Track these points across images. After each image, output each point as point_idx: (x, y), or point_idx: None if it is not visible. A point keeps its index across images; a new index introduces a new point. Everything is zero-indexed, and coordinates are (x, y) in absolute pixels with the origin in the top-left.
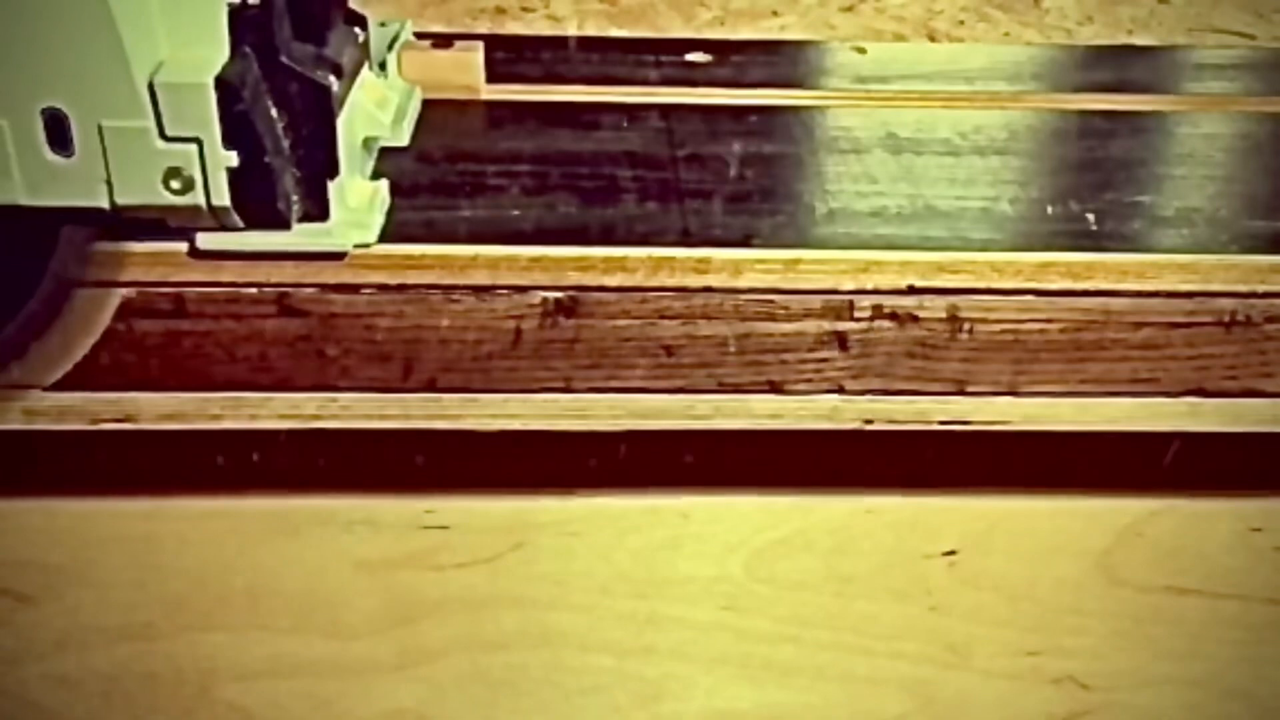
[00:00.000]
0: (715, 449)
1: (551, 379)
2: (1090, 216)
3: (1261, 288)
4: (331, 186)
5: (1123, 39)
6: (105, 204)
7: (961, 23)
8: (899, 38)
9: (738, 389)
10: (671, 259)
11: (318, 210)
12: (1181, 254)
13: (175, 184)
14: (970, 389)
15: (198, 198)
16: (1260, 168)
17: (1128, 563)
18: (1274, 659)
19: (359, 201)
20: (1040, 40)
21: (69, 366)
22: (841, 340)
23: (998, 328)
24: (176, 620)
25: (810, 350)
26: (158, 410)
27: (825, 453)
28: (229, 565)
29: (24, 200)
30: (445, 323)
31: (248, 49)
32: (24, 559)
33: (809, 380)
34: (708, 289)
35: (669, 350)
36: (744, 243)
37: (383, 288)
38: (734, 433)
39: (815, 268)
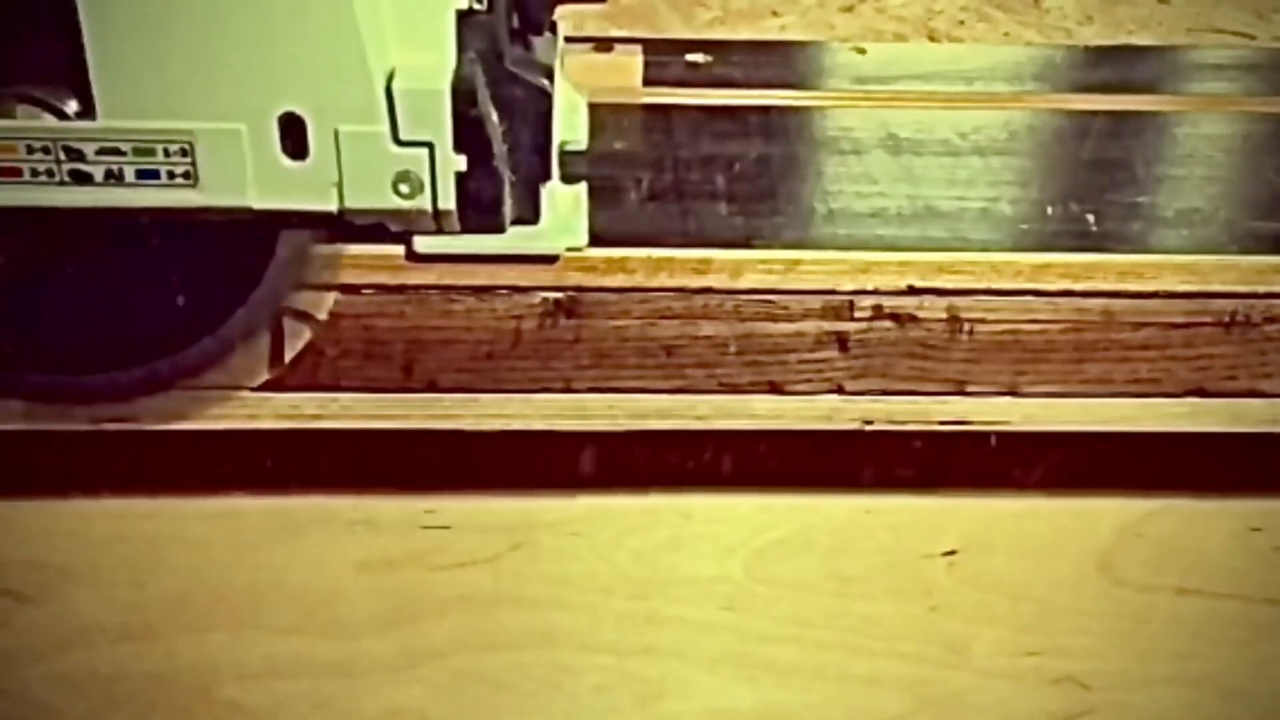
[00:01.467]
0: (715, 449)
1: (551, 379)
2: (1090, 217)
3: (1261, 288)
4: (543, 191)
5: (1123, 39)
6: (334, 207)
7: (961, 23)
8: (899, 38)
9: (738, 389)
10: (671, 259)
11: (530, 214)
12: (1181, 254)
13: (404, 188)
14: (970, 389)
15: (425, 201)
16: (1260, 168)
17: (1128, 563)
18: (1274, 659)
19: (563, 205)
20: (1040, 40)
21: (279, 368)
22: (841, 340)
23: (997, 328)
24: (176, 620)
25: (810, 350)
26: (159, 410)
27: (825, 453)
28: (229, 565)
29: (255, 204)
30: (446, 323)
31: (473, 54)
32: (24, 559)
33: (809, 380)
34: (708, 289)
35: (669, 350)
36: (744, 243)
37: (381, 288)
38: (734, 433)
39: (815, 268)
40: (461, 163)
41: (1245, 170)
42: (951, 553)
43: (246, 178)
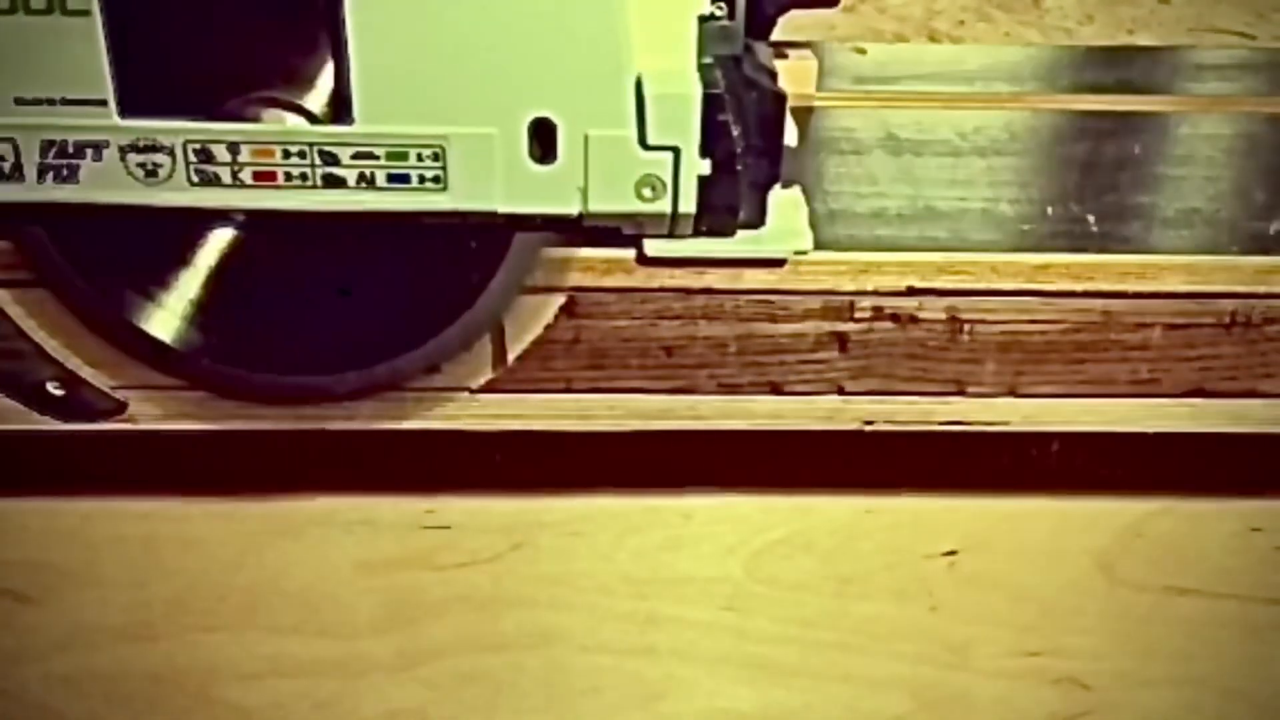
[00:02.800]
0: (715, 449)
1: (552, 379)
2: (1090, 217)
3: (1262, 288)
4: (770, 194)
5: (1123, 39)
6: (576, 211)
7: (961, 23)
8: (899, 38)
9: (738, 389)
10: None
11: (758, 218)
12: (1182, 255)
13: (647, 191)
14: (970, 390)
15: (665, 205)
16: (1260, 168)
17: (1128, 563)
18: (1274, 659)
19: (784, 208)
20: (1040, 40)
21: (501, 369)
22: (841, 341)
23: (998, 329)
24: (176, 620)
25: (810, 351)
26: (158, 410)
27: (825, 453)
28: (229, 565)
29: (501, 208)
30: None
31: (711, 59)
32: (24, 559)
33: (809, 381)
34: (708, 289)
35: (669, 350)
36: None
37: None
38: (734, 433)
39: (815, 268)
40: (705, 167)
41: (1245, 170)
42: (952, 553)
43: (495, 182)
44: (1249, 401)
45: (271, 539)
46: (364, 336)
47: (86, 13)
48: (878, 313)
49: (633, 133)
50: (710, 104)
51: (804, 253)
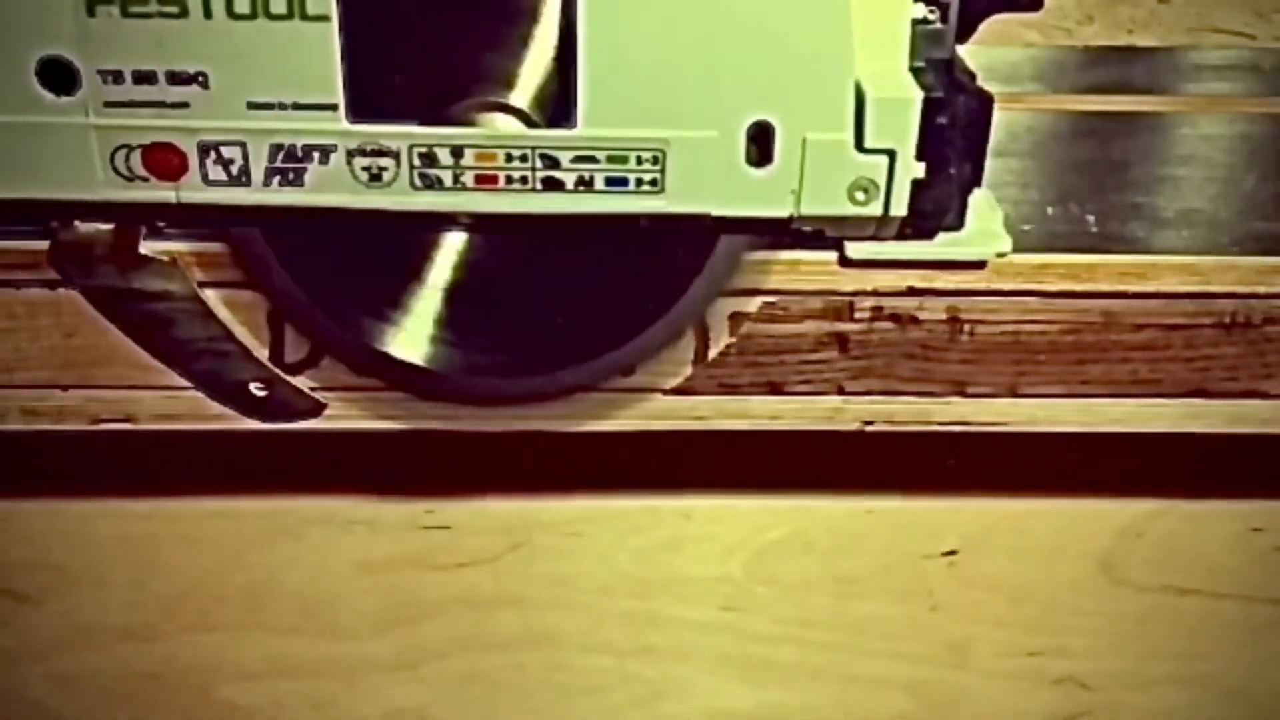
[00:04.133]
0: (715, 449)
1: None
2: (1090, 218)
3: (1262, 289)
4: (971, 197)
5: (1123, 39)
6: (787, 214)
7: None
8: None
9: (737, 389)
10: None
11: (959, 220)
12: (1182, 255)
13: (860, 195)
14: (970, 390)
15: (876, 208)
16: (1260, 168)
17: (1128, 563)
18: (1274, 659)
19: (980, 209)
20: (1040, 40)
21: (691, 371)
22: (841, 341)
23: (997, 329)
24: (176, 620)
25: (810, 351)
26: (158, 410)
27: (825, 453)
28: (229, 565)
29: (715, 211)
30: None
31: (923, 62)
32: (24, 559)
33: (809, 381)
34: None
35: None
36: None
37: None
38: (734, 433)
39: (815, 268)
40: (920, 170)
41: (1245, 170)
42: (952, 553)
43: (711, 185)
44: (1249, 402)
45: (271, 539)
46: (568, 338)
47: (326, 18)
48: (877, 313)
49: (850, 136)
50: (930, 108)
51: (1004, 255)
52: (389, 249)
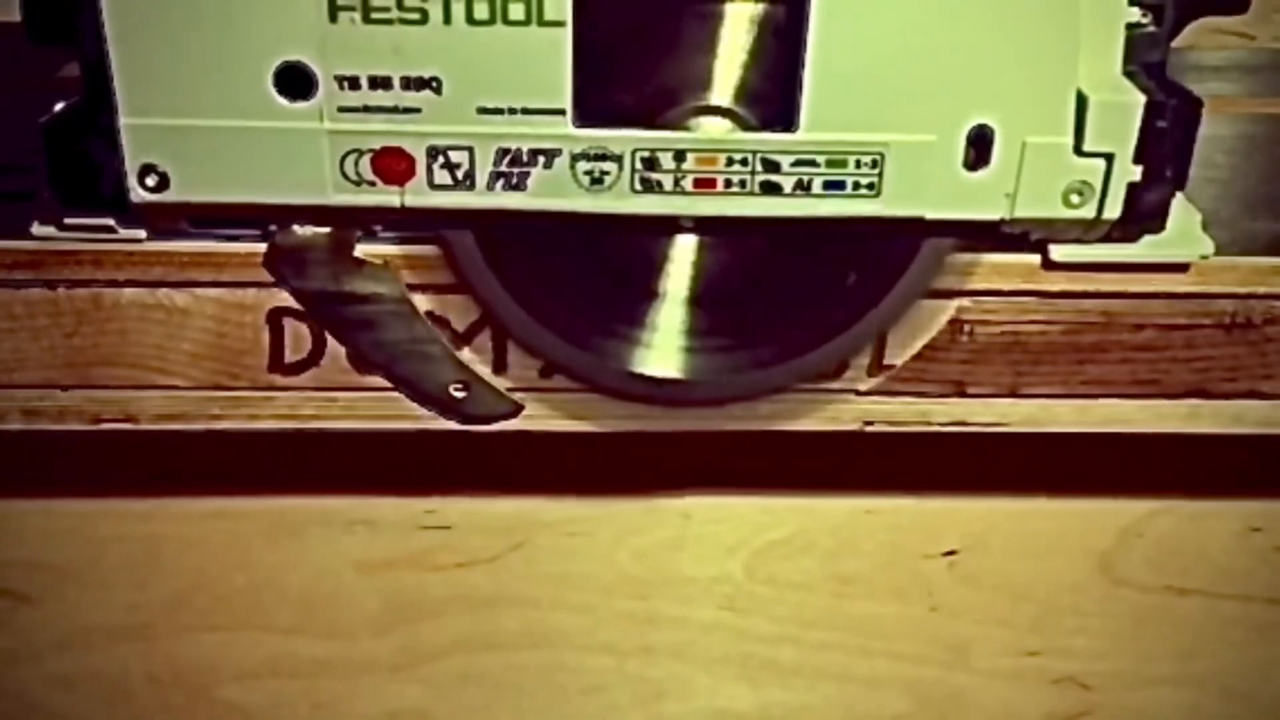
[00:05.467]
0: (715, 449)
1: (550, 378)
2: None
3: (1262, 289)
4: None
5: None
6: (999, 217)
7: None
8: None
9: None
10: None
11: (1159, 223)
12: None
13: (1075, 198)
14: (970, 390)
15: (1090, 211)
16: (1260, 168)
17: (1128, 563)
18: (1274, 659)
19: (1177, 212)
20: None
21: (885, 374)
22: None
23: (997, 329)
24: (176, 620)
25: None
26: (158, 410)
27: (825, 453)
28: (229, 565)
29: (929, 214)
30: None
31: (1136, 66)
32: (24, 559)
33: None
34: None
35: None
36: None
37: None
38: (734, 433)
39: None
40: (1137, 173)
41: (1245, 170)
42: (952, 553)
43: (927, 188)
44: (1249, 402)
45: (271, 539)
46: (769, 339)
47: (561, 23)
48: None
49: (1070, 140)
50: (1150, 111)
51: (1206, 257)
52: (611, 265)
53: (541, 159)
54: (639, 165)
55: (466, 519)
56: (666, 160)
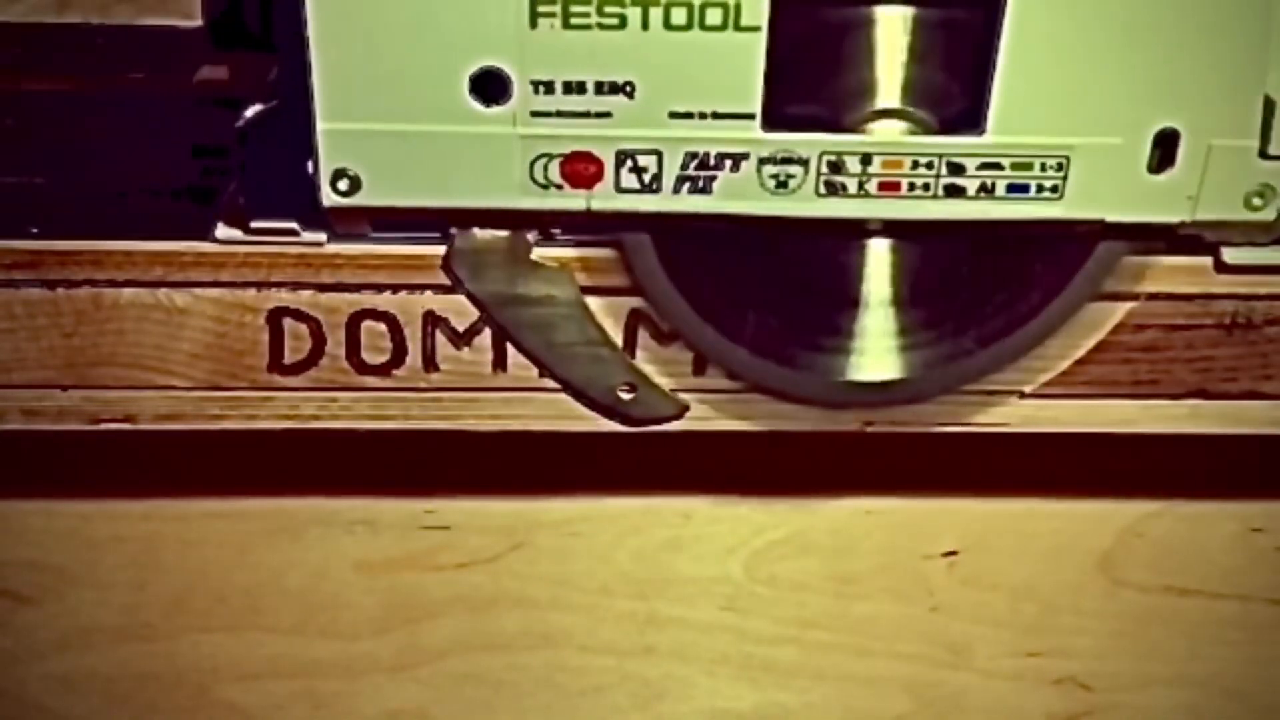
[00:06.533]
0: (715, 449)
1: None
2: None
3: (1262, 290)
4: None
5: None
6: (1180, 219)
7: None
8: None
9: (738, 389)
10: None
11: None
12: (1183, 255)
13: (1256, 200)
14: (970, 390)
15: (1270, 213)
16: None
17: (1128, 563)
18: (1274, 659)
19: None
20: None
21: (1048, 376)
22: None
23: None
24: (176, 620)
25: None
26: (158, 410)
27: (825, 453)
28: (229, 565)
29: (1110, 217)
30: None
31: None
32: (24, 559)
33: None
34: None
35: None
36: None
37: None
38: (734, 433)
39: None
40: None
41: None
42: (952, 553)
43: (1109, 191)
44: (1249, 403)
45: (271, 539)
46: (936, 341)
47: (757, 29)
48: None
49: (1256, 143)
50: None
51: None
52: (804, 277)
53: (729, 163)
54: (824, 169)
55: (466, 519)
56: (852, 164)
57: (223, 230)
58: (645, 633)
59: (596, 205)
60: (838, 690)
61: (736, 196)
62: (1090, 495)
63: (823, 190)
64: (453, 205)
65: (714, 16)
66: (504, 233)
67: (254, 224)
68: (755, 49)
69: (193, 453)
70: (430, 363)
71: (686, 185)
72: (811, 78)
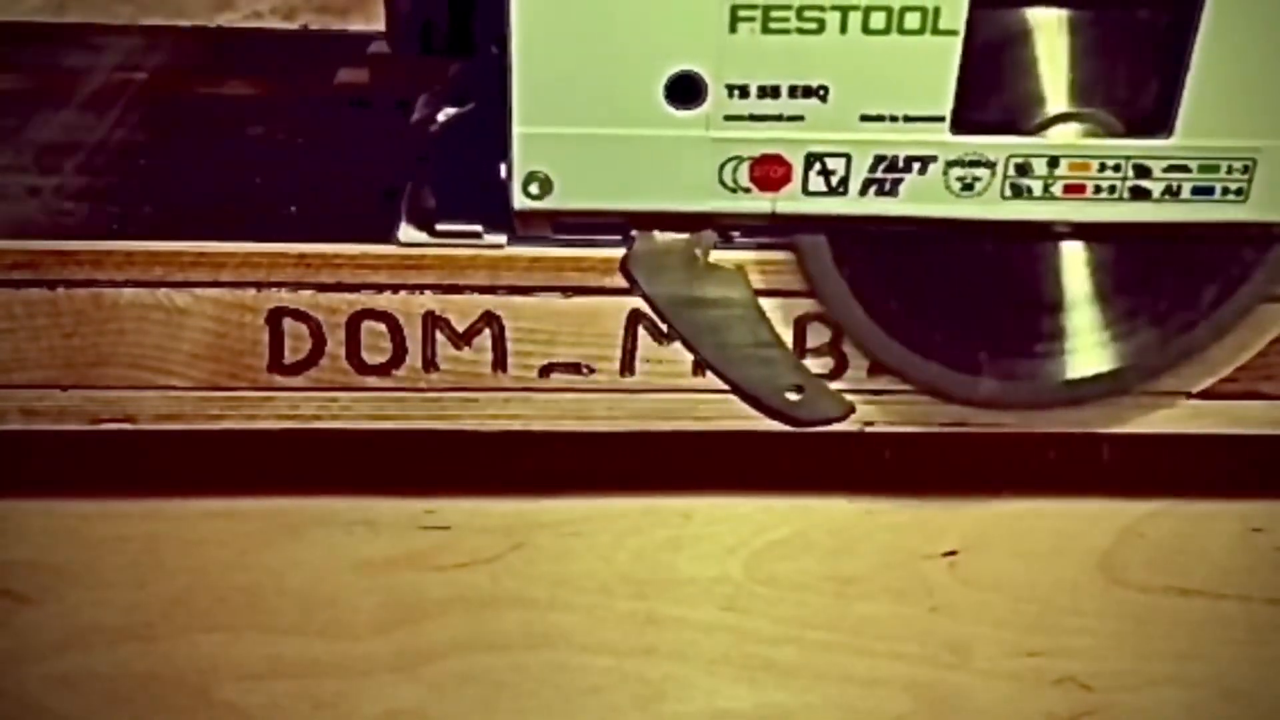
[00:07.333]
0: (715, 449)
1: (550, 379)
2: None
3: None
4: None
5: None
6: None
7: None
8: None
9: (738, 389)
10: None
11: None
12: None
13: None
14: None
15: None
16: None
17: (1129, 563)
18: (1275, 659)
19: None
20: None
21: (1216, 379)
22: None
23: None
24: (176, 620)
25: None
26: (157, 410)
27: (825, 453)
28: (229, 565)
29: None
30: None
31: None
32: (24, 559)
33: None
34: None
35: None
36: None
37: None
38: (734, 433)
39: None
40: None
41: None
42: (952, 553)
43: (1251, 193)
44: (1249, 403)
45: (271, 539)
46: (1139, 329)
47: (954, 33)
48: None
49: None
50: None
51: None
52: (941, 259)
53: (916, 165)
54: (1011, 171)
55: (466, 519)
56: (1039, 166)
57: (406, 233)
58: (645, 633)
59: (782, 208)
60: (838, 690)
61: (922, 199)
62: (1090, 495)
63: (1008, 193)
64: (640, 208)
65: (913, 20)
66: (683, 235)
67: (440, 226)
68: (951, 52)
69: (193, 453)
70: (430, 363)
71: (873, 188)
72: (997, 80)
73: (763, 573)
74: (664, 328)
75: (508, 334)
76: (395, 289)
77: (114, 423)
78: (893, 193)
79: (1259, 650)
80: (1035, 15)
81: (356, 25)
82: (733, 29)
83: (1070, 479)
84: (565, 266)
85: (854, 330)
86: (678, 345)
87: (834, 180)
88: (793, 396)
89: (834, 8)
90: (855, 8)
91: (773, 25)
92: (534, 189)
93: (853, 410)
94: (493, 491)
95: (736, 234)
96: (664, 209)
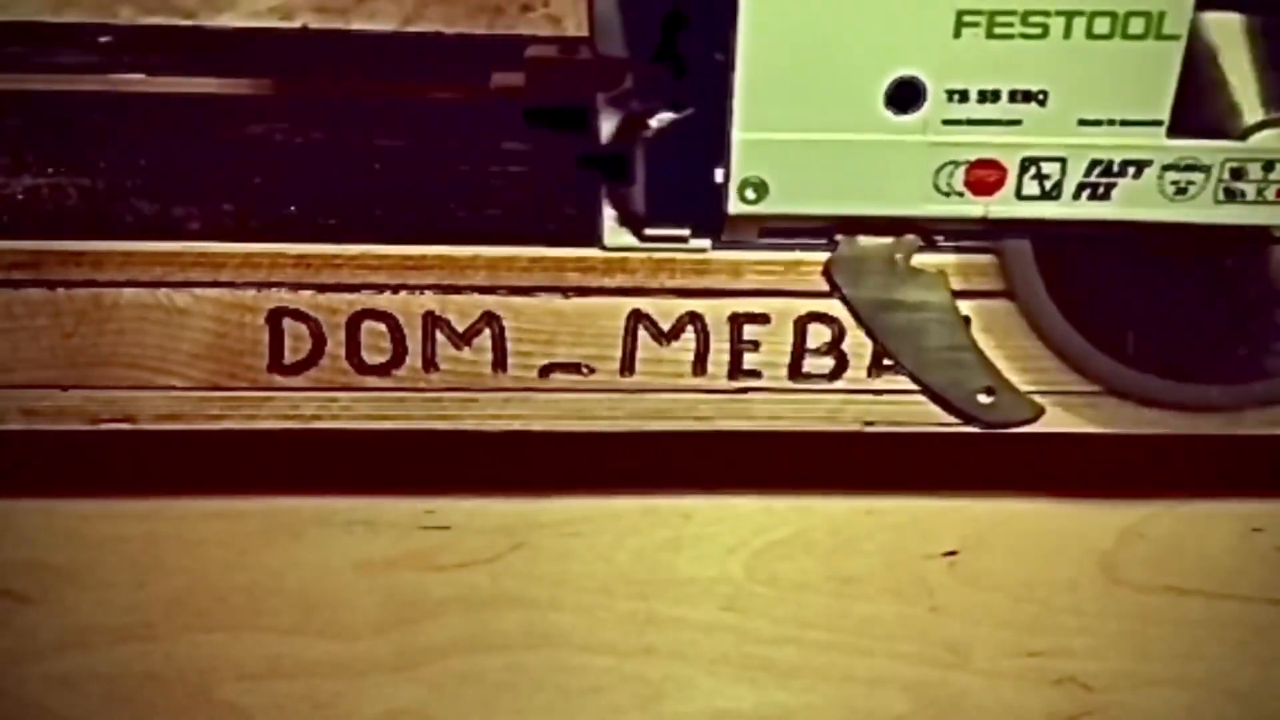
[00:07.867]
0: (715, 449)
1: (550, 379)
2: None
3: None
4: None
5: None
6: None
7: None
8: None
9: (738, 389)
10: (672, 260)
11: None
12: None
13: None
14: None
15: None
16: None
17: (1129, 563)
18: (1274, 659)
19: None
20: None
21: None
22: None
23: None
24: (176, 620)
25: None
26: (158, 410)
27: (825, 453)
28: (229, 565)
29: None
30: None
31: None
32: (24, 559)
33: (809, 381)
34: (708, 290)
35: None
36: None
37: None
38: (734, 433)
39: (815, 268)
40: None
41: None
42: (952, 553)
43: None
44: None
45: (271, 539)
46: (1255, 346)
47: (1177, 37)
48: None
49: None
50: None
51: None
52: (1126, 266)
53: (1131, 170)
54: (1226, 175)
55: (466, 519)
56: (1254, 170)
57: (613, 237)
58: (645, 633)
59: (995, 212)
60: (838, 690)
61: (1135, 203)
62: (1090, 495)
63: (1221, 197)
64: (853, 213)
65: (1137, 25)
66: (887, 240)
67: (649, 231)
68: (1173, 57)
69: (193, 453)
70: (430, 363)
71: (1086, 192)
72: (1210, 85)
73: (763, 573)
74: (862, 331)
75: (508, 334)
76: (395, 289)
77: (114, 423)
78: (1106, 197)
79: (1259, 650)
80: (1254, 21)
81: (358, 25)
82: (957, 34)
83: (1070, 479)
84: (565, 266)
85: (1052, 334)
86: (678, 345)
87: (1048, 185)
88: (984, 399)
89: (1059, 13)
90: (1080, 13)
91: (997, 30)
92: (750, 194)
93: (1042, 412)
94: (493, 491)
95: (940, 238)
96: (876, 213)
